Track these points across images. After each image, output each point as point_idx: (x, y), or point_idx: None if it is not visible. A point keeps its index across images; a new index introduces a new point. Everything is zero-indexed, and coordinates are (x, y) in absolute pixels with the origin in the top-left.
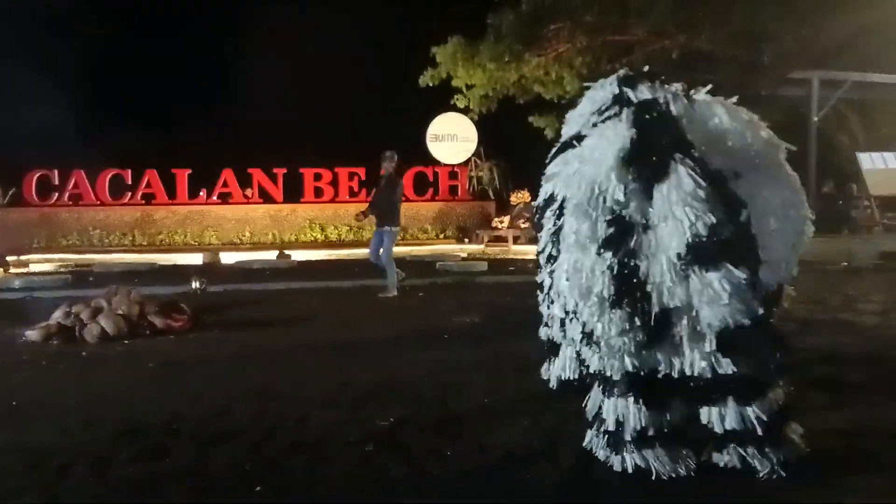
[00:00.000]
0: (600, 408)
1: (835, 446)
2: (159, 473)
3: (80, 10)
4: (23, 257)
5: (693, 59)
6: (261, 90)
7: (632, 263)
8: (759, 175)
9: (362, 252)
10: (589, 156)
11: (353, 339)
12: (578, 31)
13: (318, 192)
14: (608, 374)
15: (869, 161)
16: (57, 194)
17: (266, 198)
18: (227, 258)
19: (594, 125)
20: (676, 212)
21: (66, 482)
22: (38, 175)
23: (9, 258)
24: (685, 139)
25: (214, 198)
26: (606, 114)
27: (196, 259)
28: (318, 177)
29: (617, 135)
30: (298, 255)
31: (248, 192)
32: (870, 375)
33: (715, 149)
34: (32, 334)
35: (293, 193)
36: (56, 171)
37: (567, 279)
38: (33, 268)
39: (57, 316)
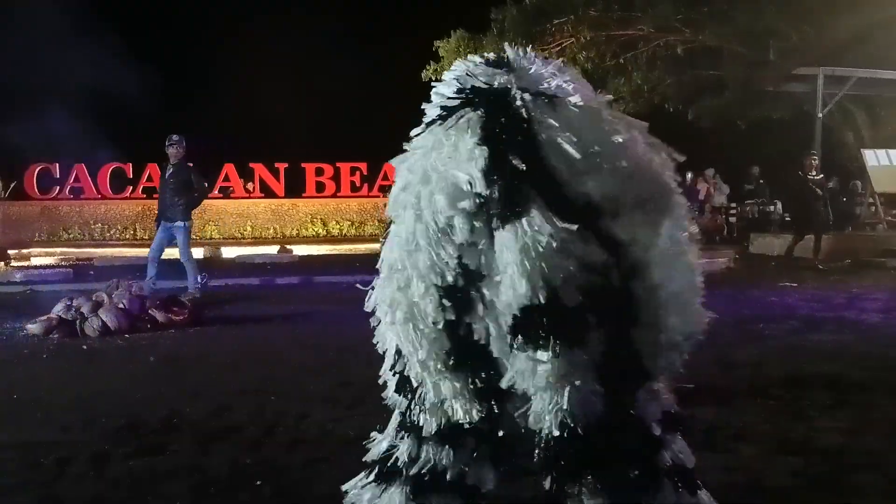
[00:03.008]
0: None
1: (837, 444)
2: (159, 470)
3: (80, 4)
4: (24, 251)
5: (698, 55)
6: (263, 84)
7: (468, 321)
8: (641, 209)
9: (364, 247)
10: (427, 172)
11: (353, 335)
12: (582, 26)
13: (320, 187)
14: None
15: (874, 158)
16: (58, 188)
17: (267, 192)
18: (229, 252)
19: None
20: (514, 267)
21: (66, 479)
22: (39, 168)
23: (10, 252)
24: (544, 162)
25: (216, 192)
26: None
27: (197, 253)
28: (319, 171)
29: (468, 152)
30: (300, 250)
31: (250, 186)
32: (872, 374)
33: (587, 175)
34: (33, 328)
35: (295, 188)
36: (57, 165)
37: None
38: (34, 261)
39: (58, 309)
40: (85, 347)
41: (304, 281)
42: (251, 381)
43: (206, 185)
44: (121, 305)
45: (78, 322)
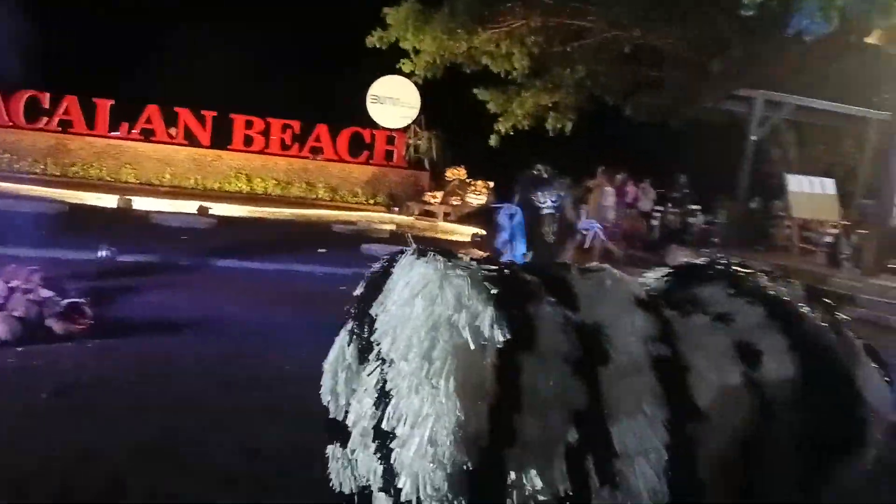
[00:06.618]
0: None
1: None
2: None
3: None
4: None
5: (643, 54)
6: (201, 27)
7: None
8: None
9: (289, 212)
10: None
11: (287, 356)
12: (534, 11)
13: (248, 141)
14: None
15: (797, 184)
16: None
17: (191, 140)
18: (143, 203)
19: None
20: None
21: None
22: None
23: None
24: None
25: (136, 133)
26: None
27: (110, 202)
28: (249, 124)
29: None
30: (220, 209)
31: (173, 131)
32: None
33: None
34: None
35: (221, 139)
36: None
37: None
38: None
39: None
40: None
41: (222, 263)
42: (149, 434)
43: None
44: (17, 313)
45: None
